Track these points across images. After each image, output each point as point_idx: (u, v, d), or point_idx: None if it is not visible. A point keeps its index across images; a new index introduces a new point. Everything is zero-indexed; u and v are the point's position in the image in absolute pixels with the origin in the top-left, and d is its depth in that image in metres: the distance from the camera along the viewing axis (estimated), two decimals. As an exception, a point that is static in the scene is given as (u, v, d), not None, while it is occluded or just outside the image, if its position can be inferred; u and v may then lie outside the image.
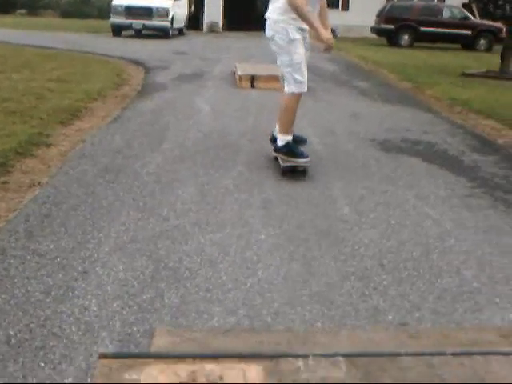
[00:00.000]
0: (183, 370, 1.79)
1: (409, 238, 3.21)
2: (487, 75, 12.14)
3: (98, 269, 2.70)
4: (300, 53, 4.21)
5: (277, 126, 4.62)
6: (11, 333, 2.19)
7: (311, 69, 11.48)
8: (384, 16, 21.75)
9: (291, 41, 4.16)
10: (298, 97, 4.29)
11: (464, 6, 21.92)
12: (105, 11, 36.52)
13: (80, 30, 22.60)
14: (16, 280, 2.58)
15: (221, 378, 1.75)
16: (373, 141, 5.56)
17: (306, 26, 4.18)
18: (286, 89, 4.31)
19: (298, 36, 4.17)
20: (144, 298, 2.46)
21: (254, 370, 1.78)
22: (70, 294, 2.48)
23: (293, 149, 4.39)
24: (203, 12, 28.27)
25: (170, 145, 5.17)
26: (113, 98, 7.70)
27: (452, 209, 3.75)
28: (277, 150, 4.48)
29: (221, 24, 28.17)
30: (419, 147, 5.43)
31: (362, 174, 4.46)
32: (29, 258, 2.81)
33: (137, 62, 12.02)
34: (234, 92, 8.43)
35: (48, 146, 5.04)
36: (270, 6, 4.38)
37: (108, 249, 2.92)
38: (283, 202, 3.75)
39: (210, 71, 10.91)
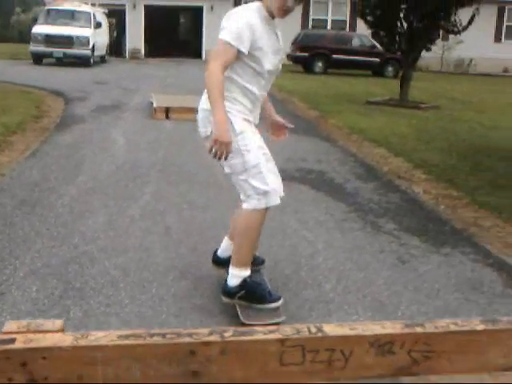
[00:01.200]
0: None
1: (284, 258, 3.82)
2: (389, 103, 13.15)
3: (13, 291, 3.16)
4: (254, 148, 2.94)
5: (223, 247, 3.33)
6: None
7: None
8: (298, 44, 22.85)
9: (238, 135, 2.88)
10: (262, 213, 2.96)
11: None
12: (26, 35, 36.24)
13: (0, 57, 22.53)
14: None
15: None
16: (270, 170, 6.20)
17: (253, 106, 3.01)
18: (245, 205, 2.97)
19: (245, 125, 2.95)
20: (52, 313, 2.94)
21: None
22: (-10, 312, 2.93)
23: (254, 289, 3.04)
24: (125, 39, 28.67)
25: (85, 177, 5.63)
26: (32, 131, 8.05)
27: (327, 231, 4.40)
28: (229, 293, 3.03)
29: (143, 51, 28.62)
30: (311, 176, 6.11)
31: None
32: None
33: (57, 93, 12.33)
34: (149, 124, 8.94)
35: (-33, 180, 5.40)
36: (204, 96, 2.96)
37: (23, 273, 3.38)
38: (181, 228, 4.30)
39: (128, 102, 11.38)
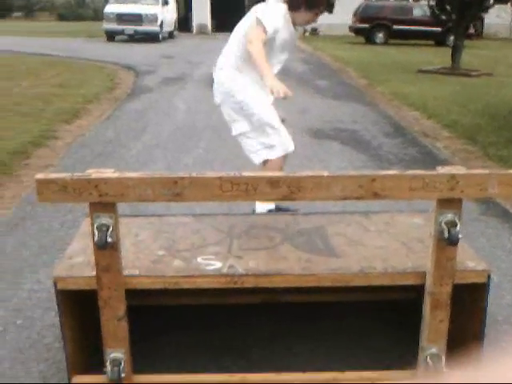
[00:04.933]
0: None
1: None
2: (440, 71, 13.67)
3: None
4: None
5: None
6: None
7: (283, 70, 12.93)
8: (359, 15, 23.31)
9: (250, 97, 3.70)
10: (281, 161, 3.76)
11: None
12: (100, 13, 38.00)
13: (77, 35, 24.11)
14: (44, 219, 4.13)
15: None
16: (308, 130, 7.10)
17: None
18: (260, 157, 3.77)
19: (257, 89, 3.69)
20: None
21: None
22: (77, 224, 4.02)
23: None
24: (192, 14, 29.80)
25: (149, 136, 6.71)
26: (106, 100, 9.25)
27: (344, 175, 5.29)
28: None
29: (209, 26, 29.65)
30: (343, 134, 6.97)
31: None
32: (48, 207, 4.36)
33: (128, 67, 13.55)
34: (209, 93, 9.92)
35: (56, 138, 6.59)
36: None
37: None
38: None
39: (192, 74, 12.46)
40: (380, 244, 2.48)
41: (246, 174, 1.97)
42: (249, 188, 1.92)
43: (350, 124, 7.56)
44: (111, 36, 21.90)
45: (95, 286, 2.09)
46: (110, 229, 2.00)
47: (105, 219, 2.01)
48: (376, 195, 2.01)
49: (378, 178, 1.99)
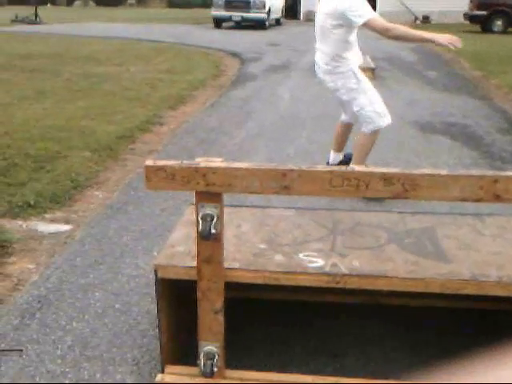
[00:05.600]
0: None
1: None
2: None
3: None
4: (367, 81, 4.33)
5: (332, 158, 4.76)
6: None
7: (390, 59, 12.59)
8: (476, 2, 22.15)
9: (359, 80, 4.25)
10: (375, 135, 4.31)
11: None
12: (208, 0, 38.73)
13: (185, 22, 24.59)
14: (145, 204, 4.18)
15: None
16: (416, 123, 6.80)
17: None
18: (363, 129, 4.30)
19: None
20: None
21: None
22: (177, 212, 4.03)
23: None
24: (300, 1, 29.58)
25: (253, 124, 6.68)
26: (211, 87, 9.32)
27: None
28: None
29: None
30: (453, 128, 6.62)
31: (395, 147, 5.77)
32: (150, 193, 4.40)
33: (234, 54, 13.63)
34: (313, 82, 9.77)
35: (161, 124, 6.69)
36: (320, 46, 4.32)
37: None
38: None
39: (297, 62, 12.33)
40: (494, 250, 2.28)
41: (358, 169, 1.85)
42: (360, 184, 1.79)
43: (461, 118, 7.18)
44: (219, 22, 22.14)
45: (195, 277, 2.04)
46: (215, 219, 1.94)
47: (210, 209, 1.95)
48: (498, 198, 1.83)
49: (502, 180, 1.81)
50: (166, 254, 2.21)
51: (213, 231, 1.94)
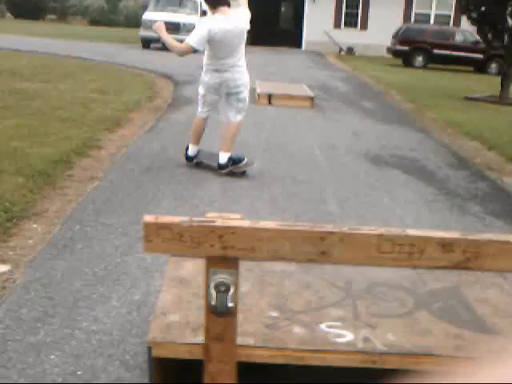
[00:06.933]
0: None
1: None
2: (488, 100, 13.16)
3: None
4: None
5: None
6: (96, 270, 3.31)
7: (324, 88, 12.59)
8: (399, 38, 22.83)
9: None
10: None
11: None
12: (131, 19, 37.96)
13: (111, 40, 23.92)
14: (94, 241, 3.71)
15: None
16: (365, 156, 6.65)
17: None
18: (238, 118, 5.49)
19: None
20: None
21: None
22: (132, 251, 3.60)
23: (234, 159, 5.43)
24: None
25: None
26: (147, 109, 8.87)
27: (417, 209, 4.83)
28: (225, 166, 5.40)
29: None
30: (404, 162, 6.51)
31: (351, 181, 5.56)
32: (99, 227, 3.94)
33: (166, 76, 13.21)
34: (253, 108, 9.51)
35: (99, 148, 6.20)
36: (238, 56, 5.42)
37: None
38: (285, 198, 4.86)
39: (233, 87, 12.05)
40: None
41: (411, 232, 1.53)
42: (413, 251, 1.48)
43: (409, 151, 7.09)
44: (147, 43, 21.63)
45: (200, 356, 1.65)
46: (232, 290, 1.56)
47: (225, 277, 1.57)
48: None
49: None
50: (159, 326, 1.81)
51: (229, 305, 1.56)
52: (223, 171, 5.40)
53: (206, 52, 5.38)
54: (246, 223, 1.55)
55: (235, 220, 1.56)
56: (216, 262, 1.58)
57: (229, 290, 1.57)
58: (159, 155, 6.02)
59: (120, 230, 3.90)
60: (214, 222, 1.54)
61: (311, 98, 9.85)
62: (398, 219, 4.51)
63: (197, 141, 5.72)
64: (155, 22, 18.87)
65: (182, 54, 5.38)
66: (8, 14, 39.98)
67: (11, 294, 3.06)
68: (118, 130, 7.19)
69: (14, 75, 11.08)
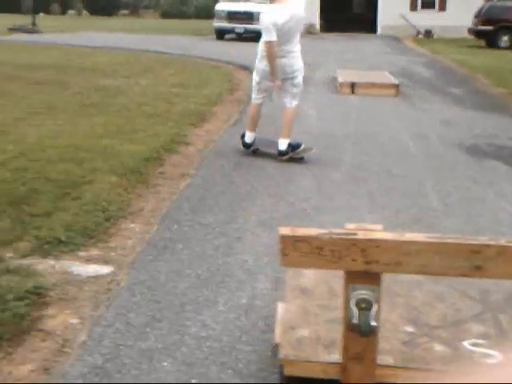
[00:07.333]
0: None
1: (484, 226, 4.06)
2: None
3: (248, 235, 3.75)
4: None
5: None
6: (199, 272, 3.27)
7: (406, 74, 12.20)
8: (482, 17, 21.86)
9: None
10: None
11: None
12: (202, 11, 38.20)
13: (185, 33, 24.10)
14: (193, 241, 3.68)
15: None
16: (460, 146, 6.35)
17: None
18: (294, 103, 5.60)
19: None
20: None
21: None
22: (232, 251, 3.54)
23: (293, 145, 5.54)
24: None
25: (286, 145, 6.19)
26: (229, 103, 8.83)
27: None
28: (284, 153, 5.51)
29: (318, 25, 28.99)
30: (504, 151, 6.17)
31: (450, 174, 5.31)
32: (197, 227, 3.91)
33: (243, 67, 13.14)
34: (336, 98, 9.37)
35: (187, 144, 6.19)
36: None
37: (253, 223, 3.97)
38: (383, 194, 4.68)
39: (312, 77, 11.84)
40: None
41: None
42: None
43: (507, 140, 6.73)
44: (221, 34, 21.68)
45: (335, 375, 1.55)
46: (374, 308, 1.44)
47: (366, 293, 1.46)
48: None
49: None
50: (289, 342, 1.71)
51: (372, 324, 1.44)
52: (284, 157, 5.48)
53: (261, 39, 5.45)
54: (390, 236, 1.43)
55: (378, 232, 1.44)
56: (357, 277, 1.47)
57: (371, 307, 1.45)
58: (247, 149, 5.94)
59: (218, 230, 3.84)
60: (355, 234, 1.42)
61: (396, 86, 9.54)
62: (509, 216, 4.26)
63: (253, 127, 5.82)
64: (228, 11, 19.03)
65: (272, 52, 5.30)
66: (84, 12, 41.11)
67: (117, 296, 3.05)
68: (203, 125, 7.18)
69: (96, 72, 11.30)
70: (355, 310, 1.45)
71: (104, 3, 40.57)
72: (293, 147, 5.50)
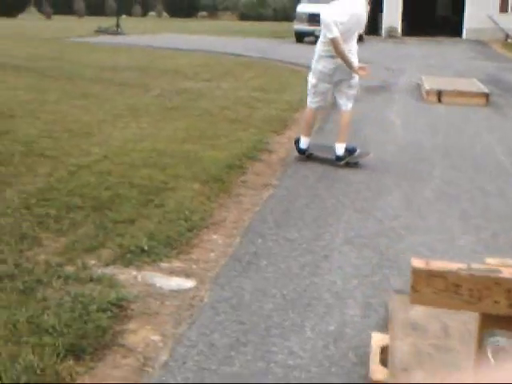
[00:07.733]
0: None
1: None
2: None
3: (335, 254, 3.58)
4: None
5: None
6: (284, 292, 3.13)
7: (496, 82, 11.66)
8: None
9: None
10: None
11: None
12: (280, 13, 38.17)
13: (263, 35, 24.09)
14: (278, 258, 3.54)
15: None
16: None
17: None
18: (350, 105, 5.49)
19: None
20: (373, 279, 3.28)
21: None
22: (319, 271, 3.38)
23: (349, 149, 5.48)
24: (381, 16, 28.65)
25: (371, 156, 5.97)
26: (311, 109, 8.65)
27: None
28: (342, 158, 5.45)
29: (399, 29, 28.35)
30: None
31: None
32: (282, 242, 3.77)
33: (324, 72, 12.94)
34: (421, 106, 9.02)
35: (269, 152, 6.07)
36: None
37: (340, 241, 3.80)
38: (477, 214, 4.40)
39: (395, 83, 11.55)
40: None
41: None
42: None
43: None
44: (301, 37, 21.50)
45: None
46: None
47: (506, 342, 1.27)
48: None
49: None
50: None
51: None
52: (341, 162, 5.44)
53: (320, 39, 5.51)
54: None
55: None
56: (495, 322, 1.28)
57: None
58: (328, 160, 5.77)
59: (304, 246, 3.69)
60: (499, 272, 1.24)
61: (486, 95, 9.11)
62: None
63: (308, 133, 5.73)
64: (309, 14, 18.80)
65: (340, 47, 5.24)
66: (164, 14, 41.90)
67: (200, 314, 2.95)
68: (285, 132, 7.05)
69: (177, 75, 11.38)
70: (492, 362, 1.27)
71: (184, 5, 41.22)
72: (349, 152, 5.45)
